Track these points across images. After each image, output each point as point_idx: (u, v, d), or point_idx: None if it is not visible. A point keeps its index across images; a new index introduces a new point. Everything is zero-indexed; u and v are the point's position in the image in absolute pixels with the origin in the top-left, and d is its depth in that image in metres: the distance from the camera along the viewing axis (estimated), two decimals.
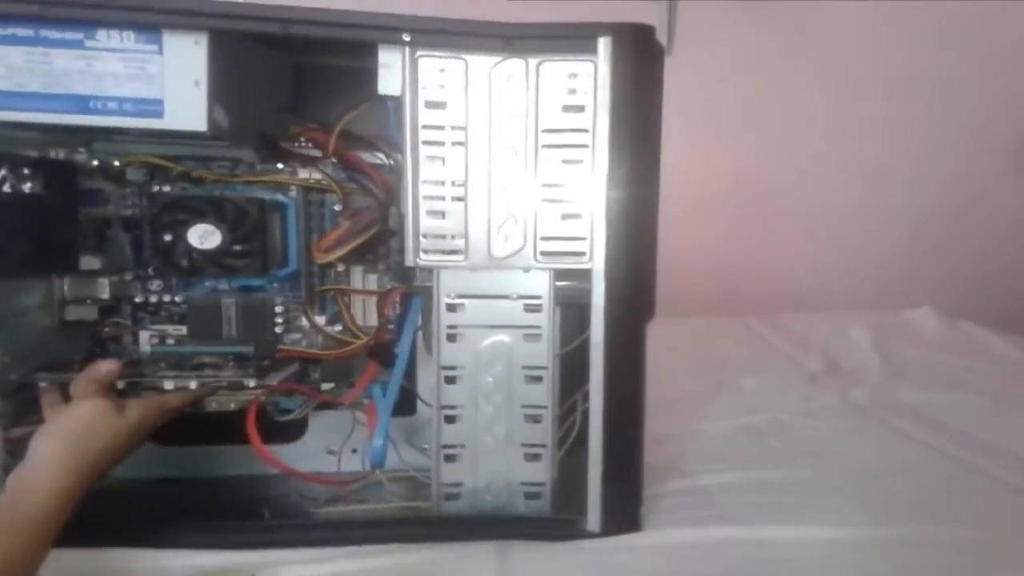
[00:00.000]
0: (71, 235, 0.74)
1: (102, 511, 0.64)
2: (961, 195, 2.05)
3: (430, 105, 0.69)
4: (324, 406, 0.79)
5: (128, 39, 0.63)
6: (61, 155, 0.74)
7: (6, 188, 0.66)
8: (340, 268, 0.80)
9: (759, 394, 1.21)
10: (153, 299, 0.78)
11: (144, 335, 0.78)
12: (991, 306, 1.81)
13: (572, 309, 0.72)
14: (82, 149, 0.74)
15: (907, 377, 1.30)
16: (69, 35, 0.63)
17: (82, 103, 0.64)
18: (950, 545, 0.71)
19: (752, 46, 1.94)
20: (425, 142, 0.70)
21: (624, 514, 0.72)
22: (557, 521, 0.73)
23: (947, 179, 2.04)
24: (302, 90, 0.81)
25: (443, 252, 0.71)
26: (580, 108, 0.68)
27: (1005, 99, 2.02)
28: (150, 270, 0.77)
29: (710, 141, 1.94)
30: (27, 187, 0.68)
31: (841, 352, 1.45)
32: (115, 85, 0.64)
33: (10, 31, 0.62)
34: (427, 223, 0.70)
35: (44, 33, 0.63)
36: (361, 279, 0.81)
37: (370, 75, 0.69)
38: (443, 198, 0.70)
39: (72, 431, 0.62)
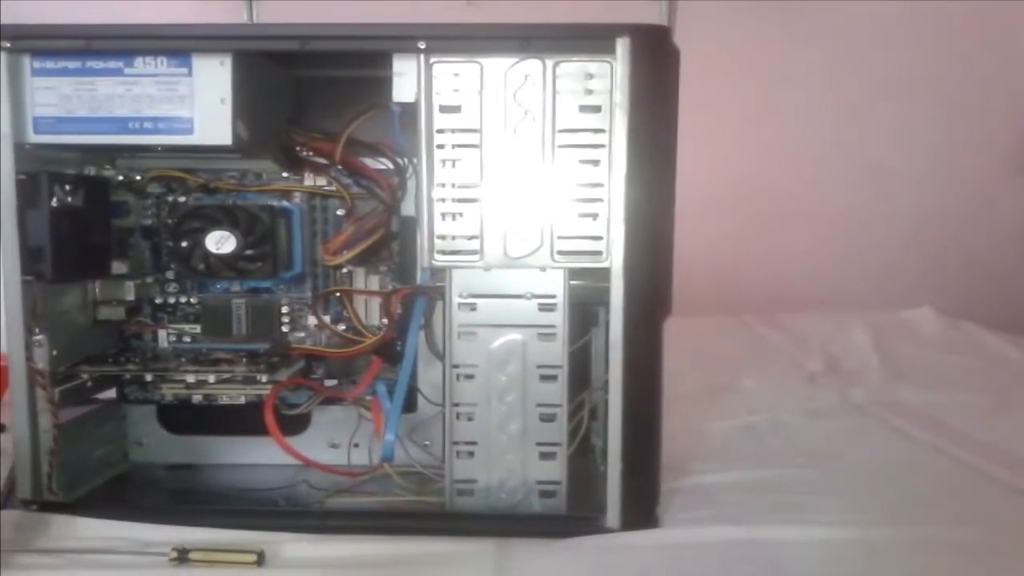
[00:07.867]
0: (105, 243, 0.81)
1: (124, 490, 0.70)
2: (962, 195, 2.07)
3: (444, 109, 0.70)
4: (328, 401, 0.83)
5: (162, 64, 0.70)
6: (92, 171, 0.81)
7: (54, 203, 0.73)
8: (344, 270, 0.83)
9: (759, 394, 1.21)
10: (171, 300, 0.84)
11: (162, 333, 0.84)
12: (991, 306, 1.82)
13: (575, 309, 0.73)
14: (108, 166, 0.81)
15: (907, 377, 1.30)
16: (112, 64, 0.70)
17: (122, 124, 0.71)
18: (950, 545, 0.71)
19: (752, 47, 1.95)
20: (440, 146, 0.70)
21: (642, 510, 0.73)
22: (573, 518, 0.73)
23: (948, 179, 2.05)
24: (304, 102, 0.85)
25: (458, 253, 0.71)
26: (597, 108, 0.69)
27: (1006, 99, 2.04)
28: (169, 273, 0.84)
29: (711, 141, 1.94)
30: (69, 201, 0.75)
31: (841, 352, 1.45)
32: (150, 106, 0.70)
33: (61, 64, 0.70)
34: (442, 225, 0.71)
35: (90, 64, 0.70)
36: (364, 280, 0.84)
37: (371, 84, 0.70)
38: (458, 200, 0.71)
39: None
